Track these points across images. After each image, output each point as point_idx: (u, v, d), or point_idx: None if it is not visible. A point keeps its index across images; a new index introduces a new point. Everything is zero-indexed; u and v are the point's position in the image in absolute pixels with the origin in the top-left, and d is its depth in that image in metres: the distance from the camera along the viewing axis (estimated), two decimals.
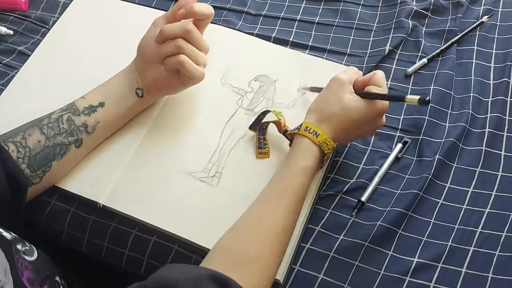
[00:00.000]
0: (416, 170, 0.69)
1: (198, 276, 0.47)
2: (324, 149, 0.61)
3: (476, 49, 0.79)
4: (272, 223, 0.57)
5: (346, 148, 0.71)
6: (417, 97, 0.57)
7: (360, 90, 0.64)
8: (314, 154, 0.61)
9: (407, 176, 0.69)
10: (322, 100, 0.65)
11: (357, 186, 0.68)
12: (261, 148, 0.70)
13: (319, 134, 0.61)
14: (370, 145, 0.71)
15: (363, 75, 0.67)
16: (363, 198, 0.66)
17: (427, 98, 0.56)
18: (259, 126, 0.70)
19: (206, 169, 0.69)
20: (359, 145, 0.71)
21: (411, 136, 0.72)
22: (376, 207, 0.67)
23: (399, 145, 0.70)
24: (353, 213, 0.66)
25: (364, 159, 0.71)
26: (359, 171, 0.70)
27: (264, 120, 0.70)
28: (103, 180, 0.69)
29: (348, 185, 0.68)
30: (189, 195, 0.67)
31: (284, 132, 0.67)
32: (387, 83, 0.76)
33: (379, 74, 0.64)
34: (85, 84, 0.78)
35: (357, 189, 0.68)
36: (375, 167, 0.69)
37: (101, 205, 0.67)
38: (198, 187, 0.67)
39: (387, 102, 0.63)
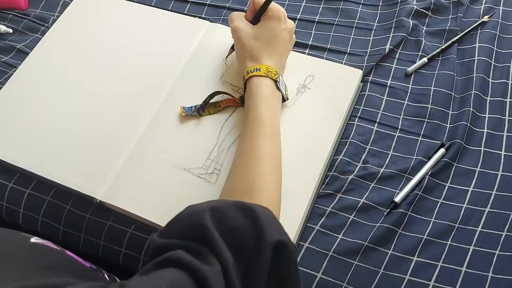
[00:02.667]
0: (417, 170, 0.69)
1: (224, 203, 0.49)
2: (271, 76, 0.67)
3: (478, 46, 0.78)
4: (256, 153, 0.61)
5: (346, 146, 0.71)
6: None
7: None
8: (266, 84, 0.67)
9: (406, 176, 0.69)
10: (241, 45, 0.70)
11: (356, 186, 0.68)
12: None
13: (259, 68, 0.67)
14: (369, 144, 0.71)
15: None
16: (397, 199, 0.66)
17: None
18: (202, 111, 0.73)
19: (205, 165, 0.68)
20: (359, 143, 0.71)
21: (411, 136, 0.71)
22: (376, 206, 0.66)
23: (442, 150, 0.70)
24: (385, 213, 0.65)
25: (363, 157, 0.70)
26: (357, 169, 0.69)
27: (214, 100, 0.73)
28: (100, 176, 0.68)
29: (347, 184, 0.68)
30: (188, 191, 0.66)
31: (240, 99, 0.72)
32: (387, 82, 0.76)
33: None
34: (84, 82, 0.79)
35: (357, 188, 0.68)
36: (374, 166, 0.69)
37: (98, 200, 0.67)
38: (196, 183, 0.67)
39: (277, 6, 0.69)
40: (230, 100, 0.73)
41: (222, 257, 0.43)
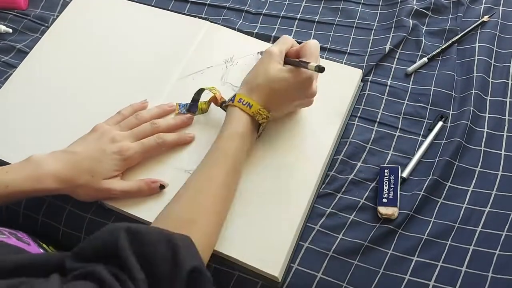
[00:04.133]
0: (416, 170, 0.69)
1: (145, 227, 0.48)
2: (258, 119, 0.64)
3: (478, 45, 0.78)
4: (207, 185, 0.59)
5: (346, 146, 0.71)
6: (314, 64, 0.61)
7: (290, 59, 0.66)
8: (246, 121, 0.63)
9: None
10: (253, 71, 0.67)
11: (357, 186, 0.68)
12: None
13: (252, 105, 0.63)
14: (369, 143, 0.71)
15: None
16: (404, 174, 0.67)
17: (322, 67, 0.59)
18: (196, 109, 0.72)
19: None
20: (359, 143, 0.71)
21: (411, 136, 0.71)
22: (376, 206, 0.66)
23: (440, 123, 0.71)
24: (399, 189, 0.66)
25: (363, 157, 0.70)
26: (357, 168, 0.69)
27: (201, 100, 0.72)
28: None
29: (347, 184, 0.68)
30: None
31: (221, 105, 0.69)
32: (387, 82, 0.76)
33: (310, 43, 0.66)
34: (83, 82, 0.79)
35: (357, 188, 0.68)
36: (374, 166, 0.69)
37: (99, 201, 0.66)
38: None
39: (312, 71, 0.63)
40: (213, 98, 0.70)
41: (136, 278, 0.43)
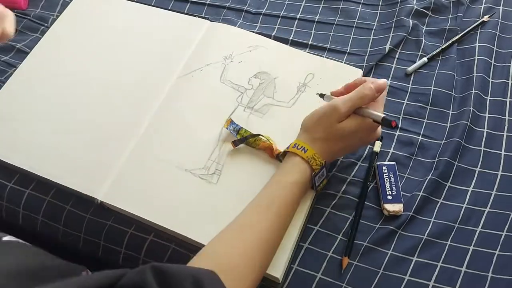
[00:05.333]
0: (416, 171, 0.69)
1: (140, 267, 0.47)
2: (312, 164, 0.61)
3: (478, 45, 0.78)
4: (255, 235, 0.57)
5: None
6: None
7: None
8: (302, 169, 0.61)
9: (406, 176, 0.69)
10: (316, 121, 0.64)
11: (357, 186, 0.68)
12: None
13: (307, 150, 0.62)
14: (370, 143, 0.71)
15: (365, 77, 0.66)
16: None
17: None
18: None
19: (206, 166, 0.68)
20: None
21: (411, 135, 0.71)
22: (376, 206, 0.66)
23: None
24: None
25: (363, 157, 0.70)
26: (356, 167, 0.69)
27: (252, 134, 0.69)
28: (101, 176, 0.68)
29: (347, 184, 0.68)
30: (189, 192, 0.66)
31: (276, 156, 0.67)
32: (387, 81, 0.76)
33: (384, 94, 0.64)
34: (83, 82, 0.78)
35: (357, 188, 0.68)
36: (377, 163, 0.69)
37: (99, 201, 0.67)
38: (197, 184, 0.67)
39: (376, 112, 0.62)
40: (268, 148, 0.68)
41: None
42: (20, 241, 0.50)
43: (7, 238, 0.49)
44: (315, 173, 0.62)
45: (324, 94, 0.69)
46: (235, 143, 0.69)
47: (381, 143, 0.71)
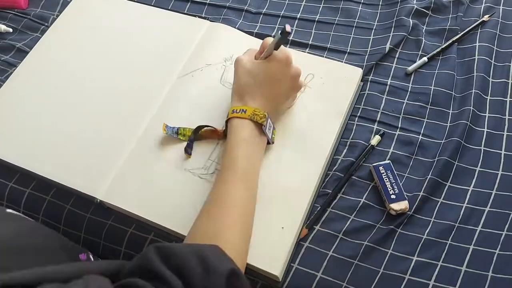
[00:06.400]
0: (416, 170, 0.69)
1: (143, 251, 0.49)
2: (257, 120, 0.64)
3: (479, 45, 0.78)
4: (223, 199, 0.59)
5: (346, 146, 0.71)
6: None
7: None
8: (248, 126, 0.64)
9: (406, 175, 0.69)
10: (236, 80, 0.68)
11: (357, 185, 0.68)
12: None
13: (245, 110, 0.64)
14: (369, 142, 0.71)
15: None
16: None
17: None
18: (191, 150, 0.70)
19: (205, 166, 0.68)
20: (360, 141, 0.71)
21: (411, 135, 0.71)
22: (376, 206, 0.66)
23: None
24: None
25: (363, 157, 0.70)
26: (357, 168, 0.69)
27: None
28: (101, 175, 0.68)
29: (348, 183, 0.68)
30: (189, 192, 0.66)
31: (223, 133, 0.69)
32: (387, 81, 0.76)
33: (266, 40, 0.67)
34: (83, 82, 0.79)
35: (357, 188, 0.68)
36: (373, 165, 0.69)
37: (98, 200, 0.67)
38: (197, 184, 0.67)
39: (285, 50, 0.66)
40: (213, 132, 0.70)
41: (174, 285, 0.44)
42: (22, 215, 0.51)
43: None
44: (264, 126, 0.64)
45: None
46: (187, 152, 0.69)
47: (380, 138, 0.71)
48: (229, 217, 0.57)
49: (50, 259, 0.51)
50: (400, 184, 0.66)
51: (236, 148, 0.62)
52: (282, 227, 0.63)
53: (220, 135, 0.70)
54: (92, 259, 0.61)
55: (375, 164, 0.68)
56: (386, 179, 0.67)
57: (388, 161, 0.68)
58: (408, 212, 0.65)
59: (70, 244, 0.58)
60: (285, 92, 0.69)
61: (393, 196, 0.65)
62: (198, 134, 0.70)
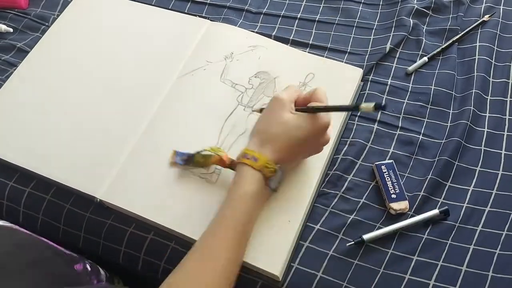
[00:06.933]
0: (417, 170, 0.69)
1: None
2: (265, 173, 0.59)
3: (479, 45, 0.78)
4: (216, 256, 0.55)
5: (346, 146, 0.71)
6: (372, 104, 0.53)
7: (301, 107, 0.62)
8: (256, 178, 0.59)
9: (406, 175, 0.69)
10: (263, 121, 0.63)
11: (357, 185, 0.68)
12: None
13: (258, 159, 0.59)
14: (370, 142, 0.71)
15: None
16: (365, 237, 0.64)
17: (383, 104, 0.53)
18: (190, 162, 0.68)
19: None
20: (361, 141, 0.71)
21: (412, 135, 0.71)
22: (377, 206, 0.66)
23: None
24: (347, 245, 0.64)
25: (363, 156, 0.70)
26: (356, 167, 0.69)
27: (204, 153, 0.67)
28: (101, 175, 0.68)
29: (348, 183, 0.68)
30: (188, 191, 0.66)
31: (230, 165, 0.65)
32: (387, 81, 0.76)
33: (320, 90, 0.62)
34: (84, 81, 0.79)
35: (357, 187, 0.68)
36: (373, 164, 0.69)
37: (98, 200, 0.67)
38: (197, 183, 0.67)
39: (329, 117, 0.60)
40: (220, 161, 0.65)
41: None
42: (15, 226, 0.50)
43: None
44: (270, 178, 0.60)
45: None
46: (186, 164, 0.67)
47: (373, 106, 0.54)
48: (210, 277, 0.54)
49: (44, 272, 0.50)
50: (402, 184, 0.66)
51: (238, 202, 0.58)
52: (282, 227, 0.63)
53: (225, 165, 0.65)
54: (89, 268, 0.60)
55: (377, 163, 0.68)
56: (387, 178, 0.67)
57: (391, 160, 0.68)
58: (408, 212, 0.65)
59: (65, 255, 0.57)
60: (307, 153, 0.66)
61: (393, 196, 0.65)
62: (203, 160, 0.67)
